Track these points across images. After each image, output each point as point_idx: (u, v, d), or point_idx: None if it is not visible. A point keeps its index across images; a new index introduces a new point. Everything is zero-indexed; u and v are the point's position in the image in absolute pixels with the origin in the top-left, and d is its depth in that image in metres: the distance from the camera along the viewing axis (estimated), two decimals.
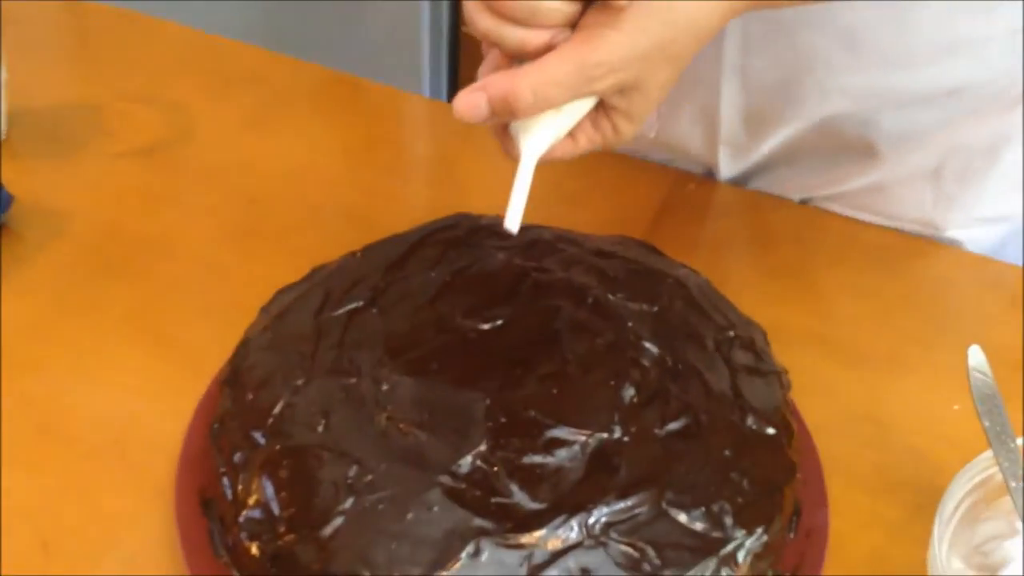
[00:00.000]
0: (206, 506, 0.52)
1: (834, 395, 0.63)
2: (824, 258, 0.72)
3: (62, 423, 0.59)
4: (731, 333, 0.55)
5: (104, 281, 0.68)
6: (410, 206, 0.79)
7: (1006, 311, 0.70)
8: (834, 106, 0.66)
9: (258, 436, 0.50)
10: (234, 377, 0.53)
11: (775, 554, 0.48)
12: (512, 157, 0.49)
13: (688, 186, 0.77)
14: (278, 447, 0.49)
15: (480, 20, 0.47)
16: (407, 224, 0.68)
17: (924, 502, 0.57)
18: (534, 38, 0.47)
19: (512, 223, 0.48)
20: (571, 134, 0.50)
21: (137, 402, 0.60)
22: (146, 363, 0.62)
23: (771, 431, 0.51)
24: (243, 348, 0.55)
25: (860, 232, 0.74)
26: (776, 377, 0.54)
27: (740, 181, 0.76)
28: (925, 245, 0.73)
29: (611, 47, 0.46)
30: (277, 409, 0.50)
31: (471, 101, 0.47)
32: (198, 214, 0.74)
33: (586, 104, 0.49)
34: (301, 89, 0.90)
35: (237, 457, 0.49)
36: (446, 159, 0.84)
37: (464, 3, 0.48)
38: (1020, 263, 0.75)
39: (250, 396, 0.52)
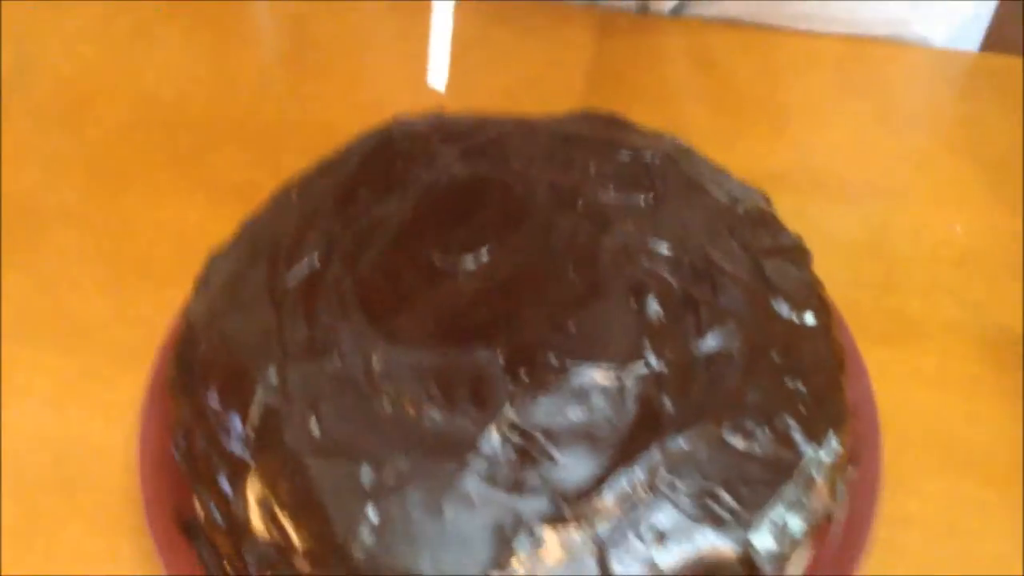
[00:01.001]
0: (189, 531, 0.44)
1: (829, 235, 0.58)
2: (788, 83, 0.65)
3: None
4: (739, 210, 0.48)
5: None
6: (306, 106, 0.69)
7: (989, 108, 0.65)
8: None
9: (239, 449, 0.42)
10: (186, 378, 0.45)
11: (847, 454, 0.43)
12: None
13: (619, 24, 0.68)
14: (269, 460, 0.41)
15: None
16: (310, 125, 0.59)
17: (954, 347, 0.54)
18: None
19: (436, 79, 0.40)
20: None
21: (65, 414, 0.51)
22: (61, 364, 0.53)
23: (811, 318, 0.45)
24: (188, 338, 0.46)
25: (822, 47, 0.67)
26: (797, 250, 0.48)
27: (677, 10, 0.68)
28: (894, 49, 0.67)
29: None
30: (254, 413, 0.42)
31: None
32: (70, 162, 0.63)
33: None
34: None
35: (220, 478, 0.42)
36: (320, 42, 0.72)
37: None
38: (977, 48, 0.71)
39: (214, 401, 0.43)
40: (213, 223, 0.51)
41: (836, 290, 0.51)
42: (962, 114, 0.65)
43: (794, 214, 0.52)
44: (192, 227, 0.56)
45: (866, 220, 0.59)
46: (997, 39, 0.71)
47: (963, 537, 0.48)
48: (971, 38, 0.70)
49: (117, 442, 0.49)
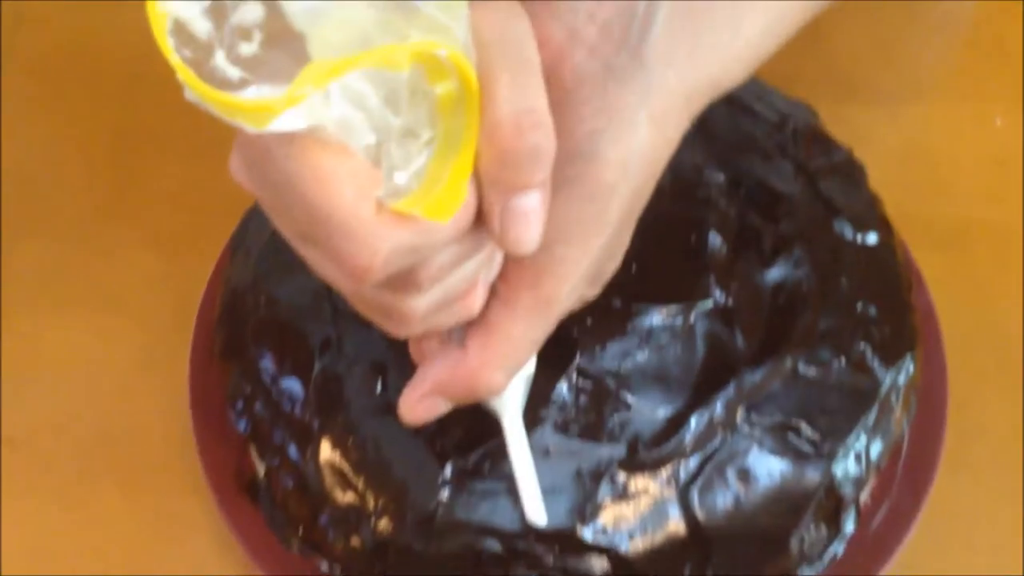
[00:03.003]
0: (251, 492, 0.43)
1: (868, 141, 0.56)
2: None
3: (28, 439, 0.48)
4: (789, 128, 0.47)
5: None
6: None
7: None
8: None
9: (303, 414, 0.41)
10: (236, 343, 0.44)
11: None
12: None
13: None
14: (336, 423, 0.40)
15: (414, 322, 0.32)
16: None
17: (1003, 247, 0.53)
18: (472, 302, 0.32)
19: (537, 515, 0.37)
20: None
21: (107, 381, 0.50)
22: (95, 333, 0.51)
23: (873, 237, 0.44)
24: (233, 303, 0.45)
25: None
26: (851, 165, 0.47)
27: None
28: None
29: (570, 266, 0.32)
30: (315, 377, 0.41)
31: (427, 407, 0.34)
32: (70, 124, 0.59)
33: None
34: None
35: (287, 444, 0.41)
36: None
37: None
38: None
39: (270, 365, 0.42)
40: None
41: (879, 194, 0.50)
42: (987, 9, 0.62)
43: (831, 123, 0.51)
44: (211, 187, 0.54)
45: (904, 123, 0.57)
46: None
47: None
48: None
49: (165, 407, 0.48)
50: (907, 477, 0.43)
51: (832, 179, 0.45)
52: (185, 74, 0.22)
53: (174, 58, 0.23)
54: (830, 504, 0.39)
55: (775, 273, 0.42)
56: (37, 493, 0.47)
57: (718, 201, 0.43)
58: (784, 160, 0.45)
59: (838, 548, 0.41)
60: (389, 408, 0.40)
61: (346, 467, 0.40)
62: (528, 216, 0.28)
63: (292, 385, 0.41)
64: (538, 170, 0.27)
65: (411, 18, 0.24)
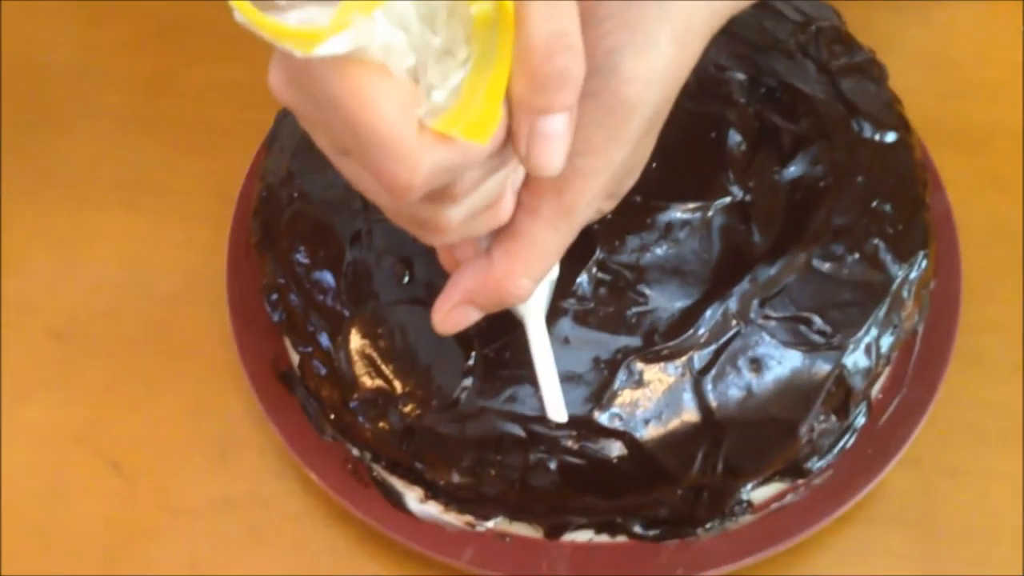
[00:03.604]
0: (286, 381, 0.46)
1: (895, 45, 0.56)
2: None
3: (74, 325, 0.51)
4: (812, 28, 0.47)
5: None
6: None
7: None
8: None
9: (334, 304, 0.43)
10: (270, 237, 0.45)
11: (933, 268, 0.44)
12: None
13: None
14: (366, 312, 0.42)
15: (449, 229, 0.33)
16: None
17: (1021, 150, 0.53)
18: (502, 209, 0.33)
19: (558, 412, 0.38)
20: None
21: (146, 272, 0.52)
22: (134, 224, 0.53)
23: (891, 136, 0.44)
24: (267, 198, 0.46)
25: None
26: (872, 66, 0.47)
27: None
28: None
29: (592, 177, 0.33)
30: (345, 269, 0.43)
31: (458, 316, 0.36)
32: (101, 22, 0.61)
33: None
34: None
35: (319, 333, 0.43)
36: None
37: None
38: None
39: (303, 258, 0.44)
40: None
41: (903, 98, 0.50)
42: None
43: (857, 28, 0.51)
44: (250, 85, 0.55)
45: (929, 29, 0.57)
46: None
47: None
48: None
49: (204, 299, 0.50)
50: (918, 373, 0.44)
51: (853, 79, 0.46)
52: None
53: None
54: (840, 395, 0.41)
55: (793, 170, 0.43)
56: (83, 380, 0.49)
57: (738, 99, 0.44)
58: (806, 60, 0.46)
59: (848, 440, 0.43)
60: (416, 299, 0.42)
61: (375, 354, 0.41)
62: (554, 139, 0.28)
63: (324, 276, 0.43)
64: (566, 93, 0.28)
65: None
